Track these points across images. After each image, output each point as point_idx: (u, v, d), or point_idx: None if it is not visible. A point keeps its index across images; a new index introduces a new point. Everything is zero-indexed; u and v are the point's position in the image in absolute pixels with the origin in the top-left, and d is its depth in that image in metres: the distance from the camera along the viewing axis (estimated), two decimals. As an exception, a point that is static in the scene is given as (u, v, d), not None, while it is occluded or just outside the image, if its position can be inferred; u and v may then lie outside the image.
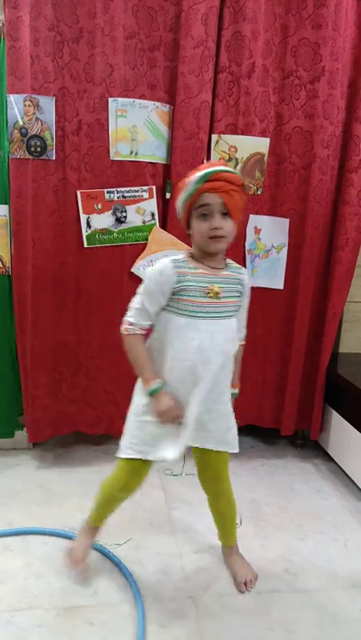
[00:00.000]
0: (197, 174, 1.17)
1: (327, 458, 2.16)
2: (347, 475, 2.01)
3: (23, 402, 2.00)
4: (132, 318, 1.23)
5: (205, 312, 1.21)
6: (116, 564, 1.49)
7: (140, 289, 1.24)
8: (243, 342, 1.38)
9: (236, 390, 1.36)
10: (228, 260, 1.29)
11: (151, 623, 1.30)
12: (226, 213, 1.17)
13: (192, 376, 1.22)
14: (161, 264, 1.22)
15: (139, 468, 1.33)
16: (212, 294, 1.20)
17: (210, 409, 1.27)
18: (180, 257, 1.24)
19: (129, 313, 1.24)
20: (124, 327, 1.24)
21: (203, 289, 1.20)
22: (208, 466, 1.41)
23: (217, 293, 1.20)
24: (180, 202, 1.21)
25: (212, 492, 1.45)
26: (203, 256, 1.23)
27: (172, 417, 1.23)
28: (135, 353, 1.24)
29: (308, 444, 2.24)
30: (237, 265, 1.30)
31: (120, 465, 1.36)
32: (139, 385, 1.31)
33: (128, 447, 1.31)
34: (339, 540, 1.70)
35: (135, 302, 1.24)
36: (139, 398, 1.30)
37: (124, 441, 1.32)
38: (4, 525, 1.65)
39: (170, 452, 1.26)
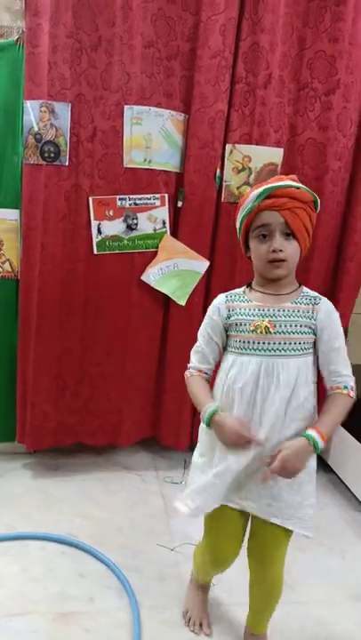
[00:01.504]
0: (257, 190, 1.04)
1: (327, 469, 2.16)
2: (346, 486, 2.01)
3: (17, 408, 1.99)
4: (190, 363, 1.16)
5: (254, 349, 1.06)
6: (113, 571, 1.50)
7: (199, 330, 1.17)
8: (344, 391, 1.06)
9: (316, 437, 1.01)
10: (305, 289, 1.11)
11: (147, 631, 1.31)
12: (289, 234, 1.03)
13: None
14: (215, 300, 1.14)
15: (215, 527, 1.18)
16: (260, 330, 1.05)
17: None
18: (240, 289, 1.13)
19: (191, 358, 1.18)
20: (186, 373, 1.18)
21: (250, 323, 1.06)
22: (254, 536, 1.17)
23: (266, 327, 1.05)
24: (237, 221, 1.09)
25: (254, 571, 1.22)
26: (263, 283, 1.10)
27: (239, 441, 1.04)
28: (190, 391, 1.14)
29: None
30: (315, 294, 1.10)
31: (204, 527, 1.22)
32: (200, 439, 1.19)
33: (185, 499, 1.15)
34: (336, 551, 1.70)
35: (195, 346, 1.17)
36: (197, 450, 1.19)
37: (186, 491, 1.17)
38: (2, 529, 1.66)
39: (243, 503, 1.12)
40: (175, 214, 1.92)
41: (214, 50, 1.76)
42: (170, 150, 1.86)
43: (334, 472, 2.09)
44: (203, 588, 1.37)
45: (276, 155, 1.89)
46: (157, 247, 1.91)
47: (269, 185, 1.04)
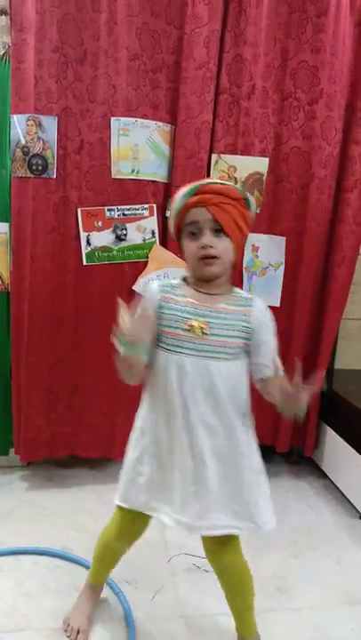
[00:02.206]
0: (183, 189, 1.05)
1: (321, 474, 2.17)
2: (341, 491, 2.02)
3: (14, 421, 1.99)
4: None
5: (189, 348, 1.03)
6: (108, 584, 1.48)
7: None
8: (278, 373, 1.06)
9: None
10: (237, 290, 1.11)
11: (143, 643, 1.30)
12: (219, 230, 1.02)
13: (172, 428, 1.06)
14: (148, 287, 1.11)
15: (136, 517, 1.20)
16: (194, 330, 1.03)
17: (207, 472, 1.06)
18: (175, 282, 1.11)
19: None
20: None
21: (184, 321, 1.04)
22: (209, 546, 1.20)
23: (201, 329, 1.03)
24: (170, 222, 1.11)
25: (215, 563, 1.20)
26: (197, 283, 1.08)
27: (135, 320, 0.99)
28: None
29: (303, 460, 2.25)
30: (248, 296, 1.10)
31: (117, 510, 1.24)
32: (132, 437, 1.19)
33: (120, 495, 1.21)
34: (332, 557, 1.70)
35: None
36: (131, 452, 1.18)
37: (119, 488, 1.21)
38: (-4, 544, 1.64)
39: (164, 516, 1.13)
40: (164, 224, 1.93)
41: (199, 62, 1.79)
42: (157, 161, 1.87)
43: (329, 478, 2.10)
44: (93, 591, 1.35)
45: (261, 164, 1.92)
46: (147, 257, 1.93)
47: (195, 183, 1.04)
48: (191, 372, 1.04)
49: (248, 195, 1.07)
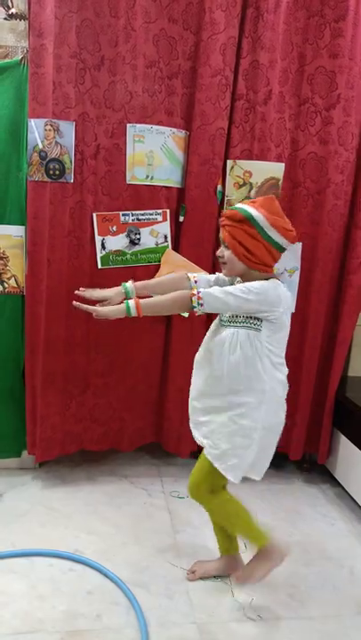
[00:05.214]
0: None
1: (334, 482, 2.15)
2: (354, 499, 2.00)
3: (27, 422, 2.00)
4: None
5: (220, 318, 1.44)
6: (121, 588, 1.49)
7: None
8: (192, 291, 1.32)
9: (131, 304, 1.36)
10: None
11: (155, 649, 1.31)
12: (227, 245, 1.37)
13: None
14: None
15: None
16: None
17: (204, 408, 1.45)
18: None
19: None
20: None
21: None
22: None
23: None
24: None
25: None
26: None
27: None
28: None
29: (315, 468, 2.24)
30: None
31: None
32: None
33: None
34: (344, 566, 1.69)
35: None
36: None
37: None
38: (8, 547, 1.65)
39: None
40: (177, 229, 1.94)
41: (215, 68, 1.79)
42: (171, 167, 1.88)
43: (342, 486, 2.08)
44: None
45: (277, 169, 1.91)
46: (160, 261, 1.93)
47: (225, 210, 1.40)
48: (209, 336, 1.44)
49: (252, 214, 1.29)
